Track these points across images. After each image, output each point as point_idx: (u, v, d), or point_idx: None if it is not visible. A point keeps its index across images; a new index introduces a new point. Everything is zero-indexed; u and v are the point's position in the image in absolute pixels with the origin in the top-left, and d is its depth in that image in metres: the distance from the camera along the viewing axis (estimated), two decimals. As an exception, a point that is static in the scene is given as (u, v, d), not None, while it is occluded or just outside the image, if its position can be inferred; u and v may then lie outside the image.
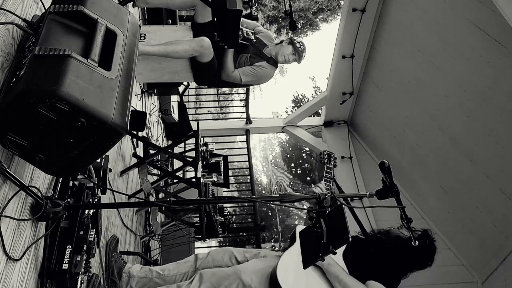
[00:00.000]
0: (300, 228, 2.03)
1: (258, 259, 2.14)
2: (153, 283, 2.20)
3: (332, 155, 2.35)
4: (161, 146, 4.04)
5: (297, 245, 2.01)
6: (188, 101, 5.86)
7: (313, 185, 2.33)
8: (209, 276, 2.00)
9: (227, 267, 2.12)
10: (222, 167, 3.70)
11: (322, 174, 2.30)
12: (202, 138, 3.64)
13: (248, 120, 5.63)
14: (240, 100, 9.14)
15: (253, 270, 1.99)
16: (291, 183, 16.15)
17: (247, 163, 5.41)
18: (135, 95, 3.36)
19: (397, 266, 1.99)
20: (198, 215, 3.24)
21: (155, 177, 3.65)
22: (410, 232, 1.58)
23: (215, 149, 3.85)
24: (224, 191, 4.72)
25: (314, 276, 1.90)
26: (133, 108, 3.19)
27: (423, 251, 1.99)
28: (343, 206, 1.42)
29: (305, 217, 1.60)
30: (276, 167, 17.94)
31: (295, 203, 1.60)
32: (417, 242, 1.57)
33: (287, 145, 18.09)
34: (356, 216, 2.18)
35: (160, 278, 2.21)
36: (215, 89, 8.37)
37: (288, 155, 17.82)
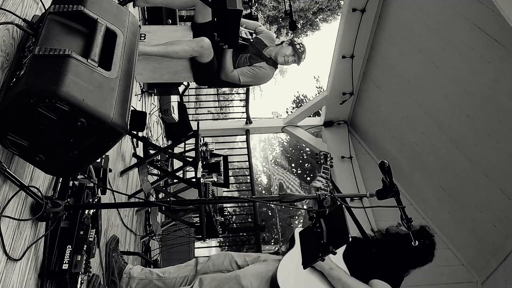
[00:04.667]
0: (299, 230, 2.03)
1: (258, 263, 2.15)
2: (153, 285, 2.20)
3: (328, 156, 2.34)
4: (161, 146, 4.04)
5: (296, 248, 2.01)
6: (188, 101, 5.86)
7: (311, 184, 2.36)
8: (209, 281, 2.01)
9: (227, 272, 2.13)
10: (222, 167, 3.70)
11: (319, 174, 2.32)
12: (202, 138, 3.64)
13: (248, 120, 5.62)
14: (240, 100, 9.14)
15: (252, 274, 2.00)
16: (301, 187, 15.60)
17: (247, 163, 5.41)
18: (135, 95, 3.36)
19: (398, 263, 1.99)
20: (198, 215, 3.23)
21: (155, 177, 3.65)
22: (410, 232, 1.58)
23: (215, 149, 3.84)
24: (224, 191, 4.71)
25: (314, 280, 1.89)
26: (133, 108, 3.19)
27: (423, 247, 2.00)
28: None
29: (304, 216, 1.62)
30: (276, 167, 17.91)
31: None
32: (417, 242, 1.56)
33: (287, 145, 18.09)
34: (355, 217, 2.18)
35: (160, 280, 2.21)
36: (215, 89, 8.36)
37: (288, 155, 17.80)
